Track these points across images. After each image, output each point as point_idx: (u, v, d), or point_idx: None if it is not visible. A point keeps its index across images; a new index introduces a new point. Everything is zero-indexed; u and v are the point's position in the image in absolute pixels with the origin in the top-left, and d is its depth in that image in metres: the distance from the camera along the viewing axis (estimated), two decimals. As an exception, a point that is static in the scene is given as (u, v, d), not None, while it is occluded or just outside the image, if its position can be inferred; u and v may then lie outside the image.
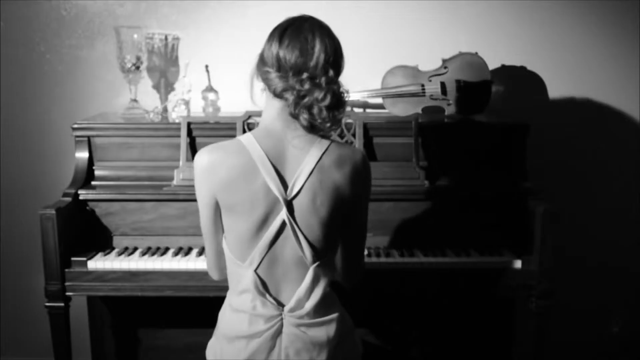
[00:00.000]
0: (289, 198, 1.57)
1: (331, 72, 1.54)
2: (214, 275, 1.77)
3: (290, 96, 1.53)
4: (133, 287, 2.21)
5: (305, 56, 1.53)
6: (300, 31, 1.55)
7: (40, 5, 2.73)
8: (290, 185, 1.57)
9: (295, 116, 1.55)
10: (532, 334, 2.23)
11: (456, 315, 2.58)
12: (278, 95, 1.56)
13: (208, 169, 1.58)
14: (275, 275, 1.62)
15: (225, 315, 1.69)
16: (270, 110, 1.61)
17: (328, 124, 1.54)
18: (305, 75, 1.52)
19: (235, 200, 1.57)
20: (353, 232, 1.71)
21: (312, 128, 1.56)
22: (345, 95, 1.57)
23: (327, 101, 1.52)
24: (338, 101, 1.54)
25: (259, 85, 1.63)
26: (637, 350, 2.96)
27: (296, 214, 1.58)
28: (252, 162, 1.56)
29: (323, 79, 1.53)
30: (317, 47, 1.54)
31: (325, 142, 1.60)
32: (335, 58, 1.57)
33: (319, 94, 1.51)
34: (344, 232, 1.69)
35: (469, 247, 2.30)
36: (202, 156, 1.59)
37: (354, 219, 1.68)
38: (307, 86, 1.52)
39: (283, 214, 1.57)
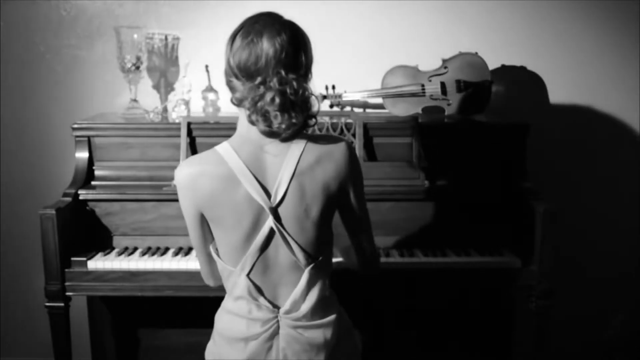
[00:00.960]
0: (273, 205, 1.55)
1: (283, 72, 1.47)
2: (210, 283, 1.77)
3: (247, 103, 1.50)
4: (133, 287, 2.21)
5: (254, 59, 1.48)
6: (248, 33, 1.50)
7: (40, 5, 2.73)
8: (273, 193, 1.55)
9: (252, 123, 1.51)
10: (532, 334, 2.23)
11: (456, 315, 2.58)
12: (237, 105, 1.54)
13: (189, 184, 1.56)
14: (271, 280, 1.61)
15: (222, 318, 1.69)
16: (244, 117, 1.56)
17: (284, 126, 1.49)
18: (258, 80, 1.48)
19: (220, 212, 1.56)
20: (355, 222, 1.68)
21: (272, 134, 1.53)
22: (309, 95, 1.51)
23: (276, 104, 1.46)
24: (292, 103, 1.48)
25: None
26: (637, 351, 2.96)
27: (284, 220, 1.56)
28: (231, 172, 1.53)
29: (275, 80, 1.47)
30: (265, 46, 1.47)
31: (302, 142, 1.56)
32: (291, 55, 1.49)
33: (269, 97, 1.47)
34: (347, 224, 1.68)
35: (469, 247, 2.30)
36: (181, 171, 1.57)
37: (351, 211, 1.65)
38: (260, 91, 1.48)
39: (270, 222, 1.55)
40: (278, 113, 1.47)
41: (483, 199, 2.35)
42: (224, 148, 1.56)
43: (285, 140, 1.56)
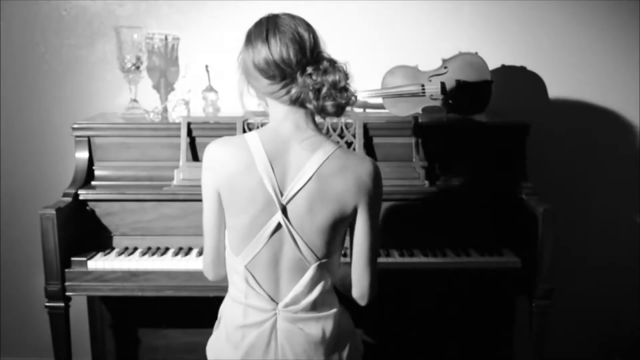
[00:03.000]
0: (284, 202, 1.56)
1: (325, 53, 1.56)
2: (209, 275, 1.74)
3: (306, 95, 1.53)
4: (133, 287, 2.21)
5: (302, 49, 1.52)
6: (281, 28, 1.53)
7: (40, 5, 2.73)
8: (287, 189, 1.56)
9: (322, 109, 1.54)
10: (532, 334, 2.23)
11: (456, 315, 2.58)
12: (295, 101, 1.55)
13: (213, 162, 1.59)
14: (273, 275, 1.61)
15: (226, 303, 1.71)
16: (279, 112, 1.59)
17: (353, 99, 1.55)
18: (310, 68, 1.52)
19: (234, 195, 1.57)
20: (358, 243, 1.65)
21: (341, 110, 1.56)
22: (346, 68, 1.56)
23: (343, 82, 1.53)
24: (346, 74, 1.55)
25: (252, 98, 1.64)
26: (637, 350, 2.96)
27: (292, 218, 1.56)
28: (252, 160, 1.56)
29: (325, 63, 1.53)
30: (305, 34, 1.53)
31: (331, 148, 1.58)
32: (320, 38, 1.57)
33: (333, 79, 1.52)
34: (350, 242, 1.67)
35: (469, 247, 2.30)
36: (211, 148, 1.60)
37: (358, 229, 1.63)
38: (318, 78, 1.51)
39: (278, 216, 1.56)
40: (343, 90, 1.53)
41: (483, 199, 2.35)
42: (251, 136, 1.59)
43: (323, 137, 1.59)
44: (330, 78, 1.51)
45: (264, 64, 1.53)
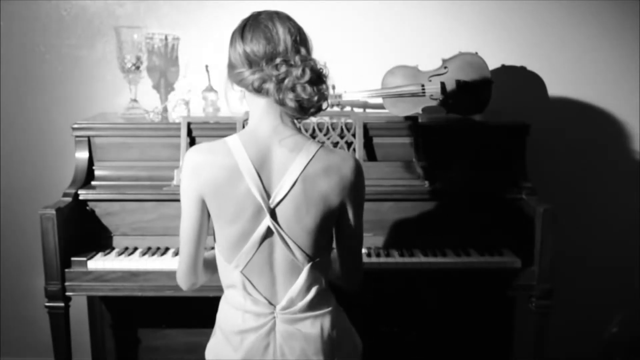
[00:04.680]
0: (272, 206, 1.55)
1: (303, 50, 1.54)
2: (183, 283, 1.72)
3: (269, 85, 1.52)
4: (133, 287, 2.21)
5: (273, 43, 1.52)
6: (258, 23, 1.55)
7: (40, 5, 2.73)
8: (273, 193, 1.56)
9: (281, 102, 1.52)
10: (532, 334, 2.23)
11: (456, 315, 2.58)
12: (258, 89, 1.54)
13: (194, 169, 1.57)
14: (268, 279, 1.61)
15: (222, 310, 1.70)
16: (256, 110, 1.59)
17: (315, 99, 1.52)
18: (278, 60, 1.51)
19: (219, 202, 1.56)
20: (346, 239, 1.67)
21: (302, 109, 1.54)
22: (324, 70, 1.55)
23: (307, 76, 1.50)
24: (318, 76, 1.53)
25: (236, 94, 1.63)
26: (637, 350, 2.96)
27: (281, 221, 1.56)
28: (235, 166, 1.55)
29: (297, 58, 1.52)
30: (280, 30, 1.53)
31: (314, 148, 1.57)
32: (302, 37, 1.56)
33: (297, 72, 1.50)
34: (337, 237, 1.68)
35: (469, 247, 2.30)
36: (189, 156, 1.58)
37: (345, 226, 1.65)
38: (283, 69, 1.51)
39: (267, 221, 1.56)
40: (307, 85, 1.51)
41: (483, 198, 2.35)
42: (233, 140, 1.58)
43: (303, 137, 1.57)
44: (294, 71, 1.50)
45: (238, 57, 1.55)
